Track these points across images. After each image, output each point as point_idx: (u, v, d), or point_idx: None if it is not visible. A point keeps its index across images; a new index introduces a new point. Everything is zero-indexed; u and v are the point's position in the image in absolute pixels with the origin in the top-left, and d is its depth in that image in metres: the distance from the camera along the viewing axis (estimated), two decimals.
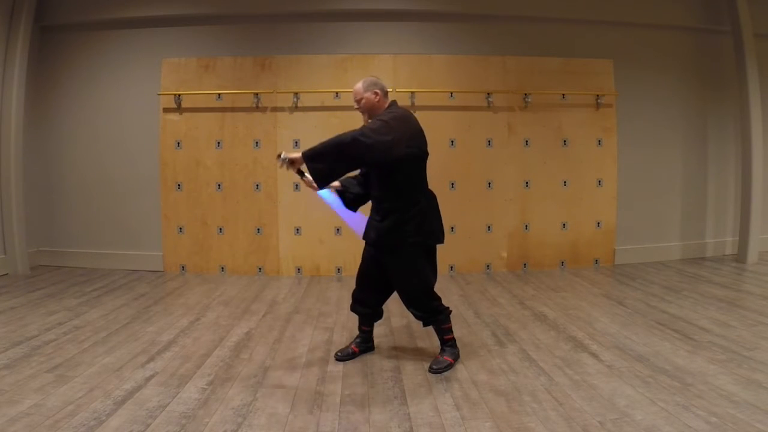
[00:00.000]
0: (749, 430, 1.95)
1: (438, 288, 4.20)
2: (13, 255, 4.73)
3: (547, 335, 3.11)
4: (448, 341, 2.70)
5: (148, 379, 2.47)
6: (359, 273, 2.78)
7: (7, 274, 4.73)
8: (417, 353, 2.85)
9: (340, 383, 2.45)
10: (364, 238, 2.71)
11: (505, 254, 5.00)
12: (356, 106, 2.65)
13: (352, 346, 2.81)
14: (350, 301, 2.85)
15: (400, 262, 2.58)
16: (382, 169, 2.55)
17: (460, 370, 2.60)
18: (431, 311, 2.63)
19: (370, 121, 2.55)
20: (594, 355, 2.76)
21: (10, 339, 2.99)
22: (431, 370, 2.57)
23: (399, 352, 2.87)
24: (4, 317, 3.42)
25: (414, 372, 2.58)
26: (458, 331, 3.17)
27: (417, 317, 2.66)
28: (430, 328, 3.09)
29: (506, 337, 3.08)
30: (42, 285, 4.35)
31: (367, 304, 2.78)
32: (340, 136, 2.35)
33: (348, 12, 4.83)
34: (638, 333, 3.10)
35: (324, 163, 2.34)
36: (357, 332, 2.87)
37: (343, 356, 2.74)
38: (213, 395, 2.31)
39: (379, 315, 2.85)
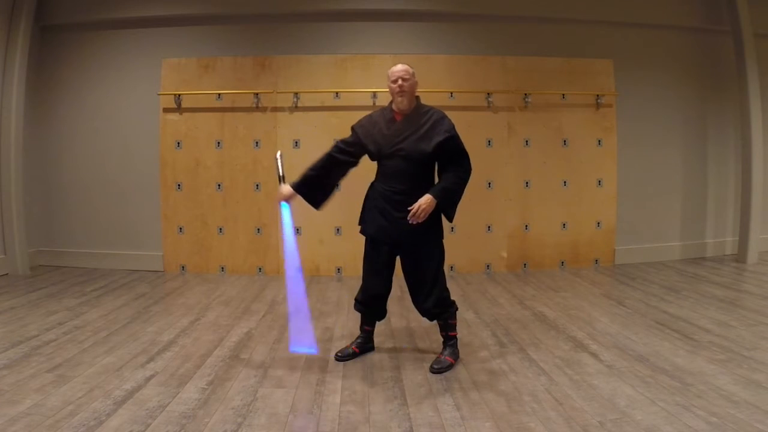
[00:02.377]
0: (749, 430, 1.95)
1: None
2: (13, 255, 4.73)
3: (547, 335, 3.11)
4: (452, 338, 2.69)
5: (148, 379, 2.47)
6: (377, 278, 2.65)
7: (7, 274, 4.72)
8: (417, 353, 2.84)
9: (340, 383, 2.45)
10: (381, 236, 2.57)
11: (505, 254, 5.00)
12: (401, 83, 2.49)
13: (353, 346, 2.80)
14: (353, 301, 2.83)
15: (434, 255, 2.58)
16: (426, 164, 2.53)
17: (460, 370, 2.59)
18: (447, 304, 2.64)
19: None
20: (594, 355, 2.76)
21: (10, 339, 2.99)
22: (432, 370, 2.56)
23: (399, 352, 2.87)
24: (4, 317, 3.42)
25: (414, 372, 2.58)
26: (458, 331, 3.17)
27: (431, 314, 2.63)
28: (431, 328, 3.09)
29: (506, 337, 3.08)
30: (42, 285, 4.35)
31: (375, 305, 2.75)
32: (461, 178, 2.53)
33: (348, 12, 4.83)
34: (638, 333, 3.10)
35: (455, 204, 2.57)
36: (357, 332, 2.87)
37: (344, 356, 2.74)
38: (213, 395, 2.31)
39: (384, 313, 2.84)
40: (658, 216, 5.30)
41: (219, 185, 4.90)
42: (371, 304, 2.76)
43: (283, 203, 2.64)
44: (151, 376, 2.49)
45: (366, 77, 4.82)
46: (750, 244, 5.08)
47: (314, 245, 4.86)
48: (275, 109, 4.86)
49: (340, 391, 2.37)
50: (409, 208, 2.43)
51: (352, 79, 4.84)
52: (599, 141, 5.07)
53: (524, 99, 4.91)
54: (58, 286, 4.30)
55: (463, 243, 4.91)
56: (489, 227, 4.98)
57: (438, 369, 2.56)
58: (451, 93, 4.85)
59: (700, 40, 5.29)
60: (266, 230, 4.90)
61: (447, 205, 2.51)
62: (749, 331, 3.07)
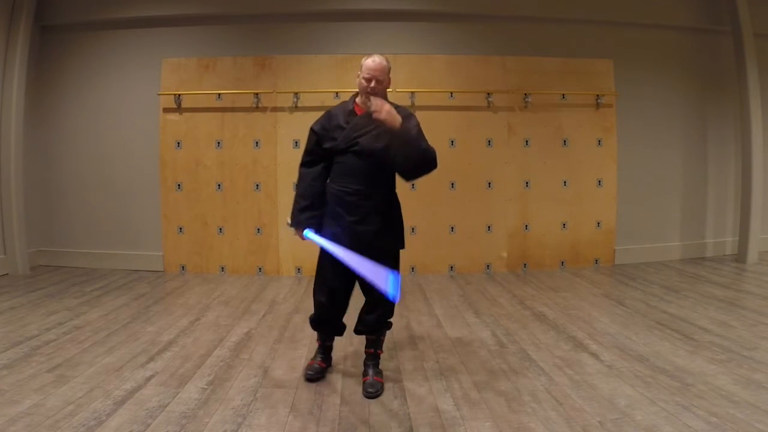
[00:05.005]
0: (749, 430, 1.95)
1: (438, 288, 4.24)
2: (13, 255, 4.73)
3: (547, 335, 3.10)
4: (379, 357, 2.51)
5: (148, 379, 2.47)
6: (330, 290, 2.45)
7: (7, 274, 4.72)
8: (417, 353, 2.84)
9: (340, 383, 2.46)
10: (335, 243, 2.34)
11: (505, 254, 5.00)
12: (374, 84, 2.23)
13: (318, 362, 2.55)
14: (312, 319, 2.60)
15: (389, 267, 2.33)
16: (383, 163, 2.28)
17: (461, 370, 2.60)
18: (385, 321, 2.49)
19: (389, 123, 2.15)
20: (594, 355, 2.76)
21: (10, 339, 2.99)
22: (368, 395, 2.30)
23: (399, 352, 2.87)
24: (4, 317, 3.42)
25: (414, 372, 2.58)
26: (458, 332, 3.18)
27: (375, 328, 2.45)
28: (431, 328, 3.08)
29: (506, 337, 3.08)
30: (42, 285, 4.35)
31: (335, 322, 2.55)
32: (422, 142, 2.22)
33: (348, 12, 4.83)
34: (638, 333, 3.10)
35: (408, 150, 2.19)
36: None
37: (314, 375, 2.48)
38: (213, 395, 2.31)
39: (344, 328, 2.61)
40: (658, 216, 5.30)
41: (219, 185, 4.90)
42: (332, 325, 2.57)
43: (306, 233, 2.41)
44: (151, 376, 2.50)
45: None
46: (750, 244, 5.08)
47: (314, 245, 4.82)
48: (275, 109, 4.86)
49: (340, 391, 2.37)
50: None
51: (352, 79, 4.79)
52: (599, 141, 5.07)
53: (524, 99, 4.91)
54: (58, 286, 4.30)
55: (463, 243, 4.91)
56: (489, 227, 4.98)
57: (374, 393, 2.30)
58: (451, 93, 4.85)
59: (700, 40, 5.29)
60: (266, 230, 4.90)
61: (404, 140, 2.17)
62: (749, 331, 3.07)
